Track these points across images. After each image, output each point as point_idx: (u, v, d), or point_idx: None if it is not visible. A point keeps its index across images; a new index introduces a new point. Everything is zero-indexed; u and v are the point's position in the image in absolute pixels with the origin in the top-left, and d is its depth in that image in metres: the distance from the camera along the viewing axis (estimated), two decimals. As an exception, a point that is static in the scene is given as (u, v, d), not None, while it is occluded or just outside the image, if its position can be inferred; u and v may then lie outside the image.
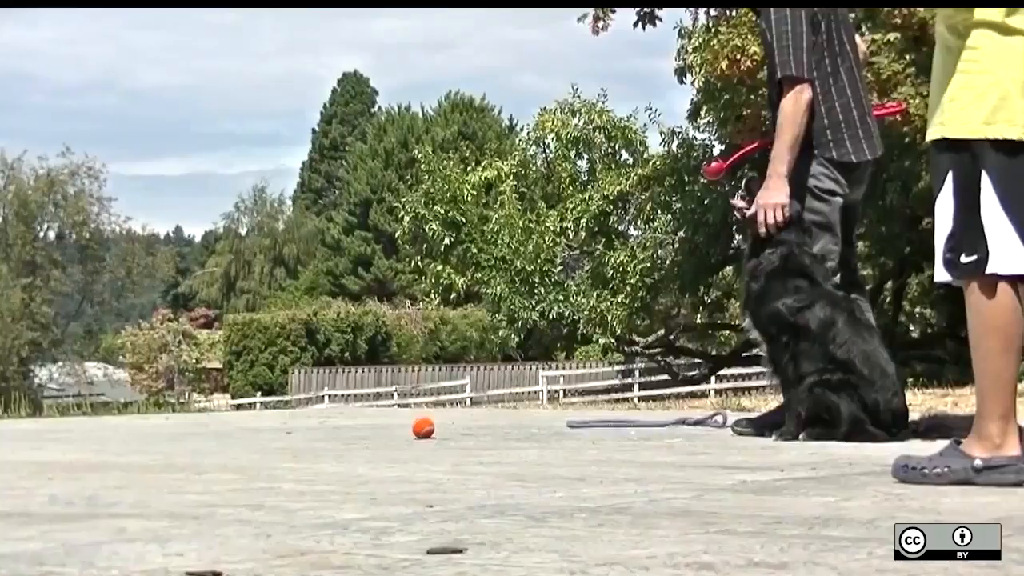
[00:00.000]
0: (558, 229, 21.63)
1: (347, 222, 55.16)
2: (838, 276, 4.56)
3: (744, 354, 22.18)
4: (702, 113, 18.16)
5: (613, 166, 21.74)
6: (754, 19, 5.25)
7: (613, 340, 20.73)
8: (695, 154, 19.72)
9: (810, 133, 4.50)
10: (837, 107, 4.54)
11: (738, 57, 14.55)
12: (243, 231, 69.29)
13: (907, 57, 13.59)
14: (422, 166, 23.52)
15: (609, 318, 19.79)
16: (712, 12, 15.41)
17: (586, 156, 22.75)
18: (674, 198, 20.08)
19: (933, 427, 4.27)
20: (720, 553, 1.83)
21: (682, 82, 17.49)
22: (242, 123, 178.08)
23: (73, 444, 4.87)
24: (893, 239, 17.15)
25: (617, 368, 30.74)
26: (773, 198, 4.44)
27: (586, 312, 20.36)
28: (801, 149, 4.48)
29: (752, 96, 15.32)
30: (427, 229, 22.38)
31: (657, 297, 20.58)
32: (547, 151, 23.00)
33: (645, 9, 14.36)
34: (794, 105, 4.44)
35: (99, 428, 6.25)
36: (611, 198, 20.73)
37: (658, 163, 20.31)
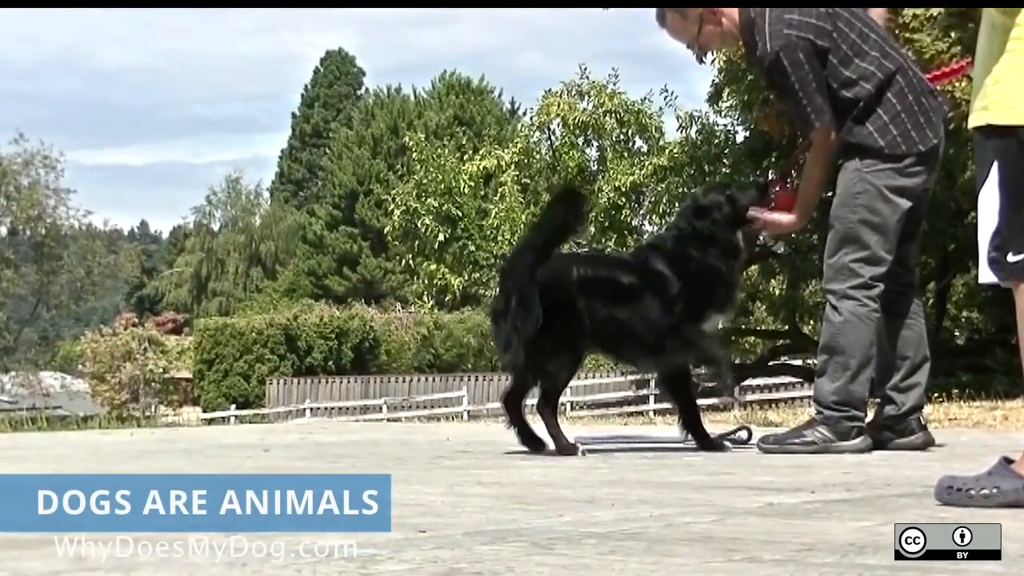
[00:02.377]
0: (565, 224, 21.59)
1: (331, 216, 55.18)
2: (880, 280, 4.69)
3: (771, 363, 22.18)
4: (724, 96, 18.15)
5: (625, 154, 21.72)
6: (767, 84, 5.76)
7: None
8: (716, 141, 19.71)
9: (871, 135, 4.62)
10: (894, 100, 4.62)
11: None
12: (215, 227, 69.35)
13: (952, 35, 13.57)
14: (414, 154, 23.51)
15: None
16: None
17: (595, 143, 22.73)
18: (693, 190, 20.07)
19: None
20: (744, 583, 1.83)
21: (701, 61, 17.34)
22: (214, 107, 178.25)
23: (27, 463, 4.87)
24: (936, 235, 17.12)
25: (631, 378, 30.69)
26: (789, 226, 4.87)
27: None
28: (867, 148, 4.61)
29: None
30: (419, 224, 22.37)
31: (674, 299, 20.57)
32: (552, 138, 22.98)
33: None
34: (823, 155, 4.68)
35: (56, 445, 6.25)
36: (623, 190, 20.71)
37: (675, 151, 20.30)
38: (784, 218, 4.79)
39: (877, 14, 4.86)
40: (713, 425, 7.03)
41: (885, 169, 4.63)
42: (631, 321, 4.62)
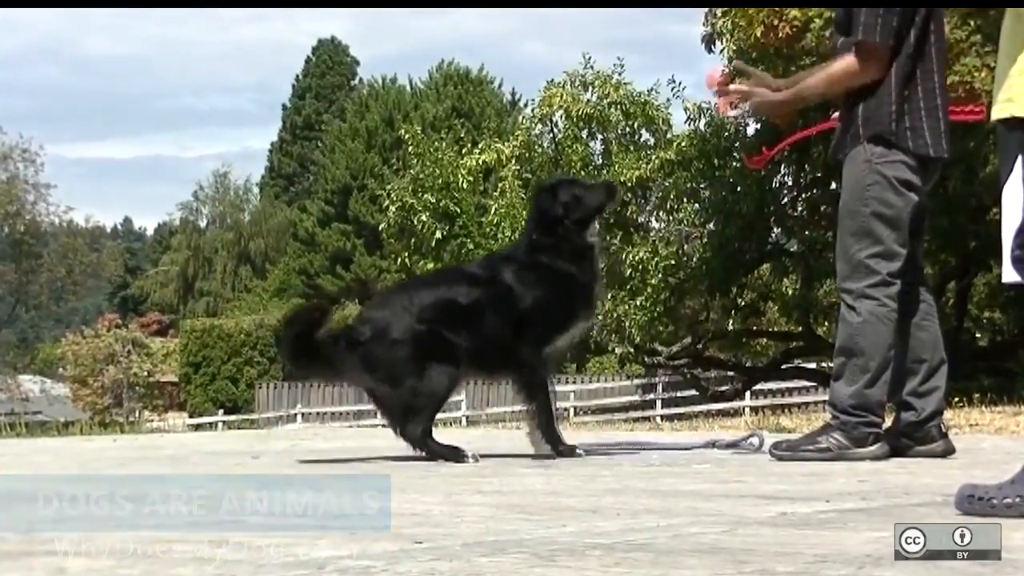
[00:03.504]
0: (568, 221, 21.60)
1: (323, 213, 55.20)
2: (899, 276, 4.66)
3: (784, 366, 22.18)
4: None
5: (631, 148, 21.73)
6: None
7: (631, 349, 20.72)
8: (726, 134, 19.71)
9: (888, 117, 4.56)
10: (920, 92, 4.61)
11: (776, 23, 14.55)
12: (203, 224, 69.40)
13: (972, 23, 13.58)
14: (410, 148, 23.51)
15: (627, 324, 19.78)
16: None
17: (600, 136, 22.73)
18: (702, 185, 20.07)
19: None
20: (755, 597, 1.83)
21: (711, 51, 17.49)
22: (202, 98, 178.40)
23: (5, 470, 4.87)
24: (956, 232, 17.14)
25: (636, 382, 30.73)
26: (771, 109, 5.06)
27: (600, 317, 20.33)
28: (878, 135, 4.55)
29: (792, 68, 15.32)
30: (416, 221, 22.37)
31: (683, 300, 20.58)
32: (555, 131, 22.97)
33: None
34: (853, 77, 4.59)
35: (35, 452, 6.26)
36: (629, 185, 20.71)
37: (683, 144, 20.31)
38: (775, 95, 4.83)
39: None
40: (723, 431, 7.02)
41: (896, 161, 4.61)
42: (469, 342, 4.78)
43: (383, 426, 5.30)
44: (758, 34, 14.80)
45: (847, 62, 4.58)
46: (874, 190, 4.60)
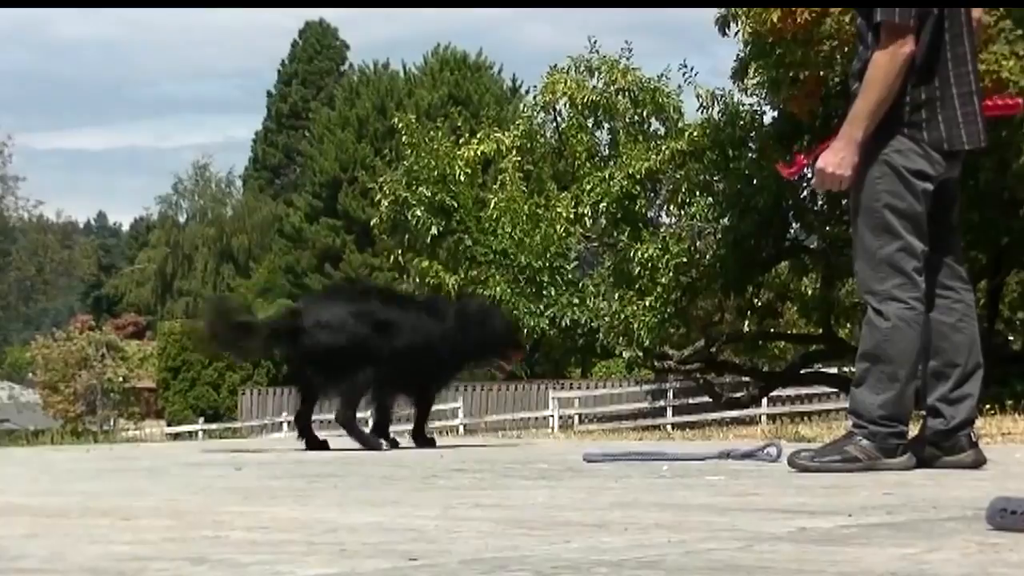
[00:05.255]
0: (572, 216, 21.64)
1: (311, 207, 55.26)
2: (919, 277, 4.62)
3: (803, 370, 22.19)
4: (750, 72, 18.16)
5: (640, 138, 21.74)
6: None
7: (640, 353, 20.73)
8: (741, 123, 19.72)
9: (901, 106, 4.54)
10: (936, 81, 4.59)
11: (793, 8, 14.60)
12: (182, 219, 69.45)
13: (1000, 8, 13.62)
14: (403, 138, 23.52)
15: (635, 326, 19.79)
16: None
17: (606, 125, 22.74)
18: (716, 177, 20.08)
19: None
20: (773, 618, 1.83)
21: (725, 34, 17.50)
22: (182, 85, 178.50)
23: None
24: (987, 228, 17.15)
25: (646, 388, 30.75)
26: (838, 165, 4.57)
27: (607, 319, 20.35)
28: (891, 121, 4.53)
29: (812, 55, 15.34)
30: (410, 216, 22.39)
31: (695, 300, 20.59)
32: (558, 119, 22.99)
33: None
34: (891, 60, 4.51)
35: (2, 462, 6.25)
36: (637, 177, 20.73)
37: (696, 134, 20.32)
38: (827, 155, 4.61)
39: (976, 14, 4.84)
40: (738, 440, 7.03)
41: (905, 150, 4.59)
42: None
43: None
44: (775, 19, 14.83)
45: (883, 52, 4.52)
46: (884, 182, 4.58)
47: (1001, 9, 13.61)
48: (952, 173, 4.72)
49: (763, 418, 25.23)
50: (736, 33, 17.27)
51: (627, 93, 22.06)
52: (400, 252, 23.42)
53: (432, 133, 23.49)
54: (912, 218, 4.59)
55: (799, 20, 14.53)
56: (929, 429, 4.79)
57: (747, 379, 24.35)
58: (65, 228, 54.42)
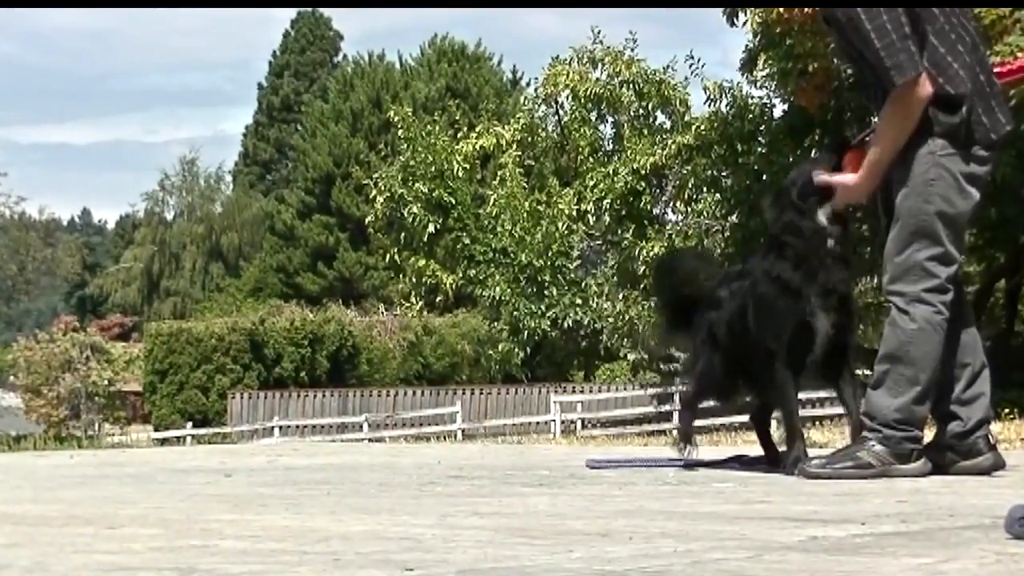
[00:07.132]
0: (574, 213, 21.66)
1: (303, 204, 55.25)
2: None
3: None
4: (759, 64, 18.17)
5: (645, 132, 21.76)
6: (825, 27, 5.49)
7: (646, 356, 20.75)
8: (750, 116, 19.72)
9: (941, 112, 4.63)
10: (981, 76, 4.65)
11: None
12: (169, 216, 69.45)
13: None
14: (399, 132, 23.55)
15: (640, 327, 19.81)
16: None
17: (610, 119, 22.77)
18: (724, 173, 20.08)
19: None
20: (783, 630, 1.83)
21: (733, 24, 17.51)
22: (170, 76, 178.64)
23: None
24: (1005, 225, 17.15)
25: (651, 392, 30.69)
26: (855, 194, 4.77)
27: (611, 320, 20.37)
28: (927, 130, 4.60)
29: (821, 45, 15.34)
30: (406, 213, 22.41)
31: (702, 300, 20.59)
32: (560, 112, 23.01)
33: None
34: (914, 99, 4.58)
35: (-16, 469, 6.25)
36: (642, 173, 20.75)
37: (703, 128, 20.33)
38: (848, 178, 4.73)
39: None
40: (747, 446, 7.02)
41: (956, 154, 4.63)
42: None
43: (368, 440, 5.30)
44: (781, 10, 14.86)
45: (903, 94, 4.59)
46: (938, 187, 4.61)
47: None
48: (991, 167, 4.80)
49: (773, 423, 25.17)
50: (744, 23, 17.28)
51: (632, 85, 22.07)
52: (396, 250, 23.45)
53: (429, 127, 23.52)
54: (959, 226, 4.65)
55: (805, 10, 14.56)
56: (946, 433, 4.79)
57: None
58: (48, 225, 54.45)
